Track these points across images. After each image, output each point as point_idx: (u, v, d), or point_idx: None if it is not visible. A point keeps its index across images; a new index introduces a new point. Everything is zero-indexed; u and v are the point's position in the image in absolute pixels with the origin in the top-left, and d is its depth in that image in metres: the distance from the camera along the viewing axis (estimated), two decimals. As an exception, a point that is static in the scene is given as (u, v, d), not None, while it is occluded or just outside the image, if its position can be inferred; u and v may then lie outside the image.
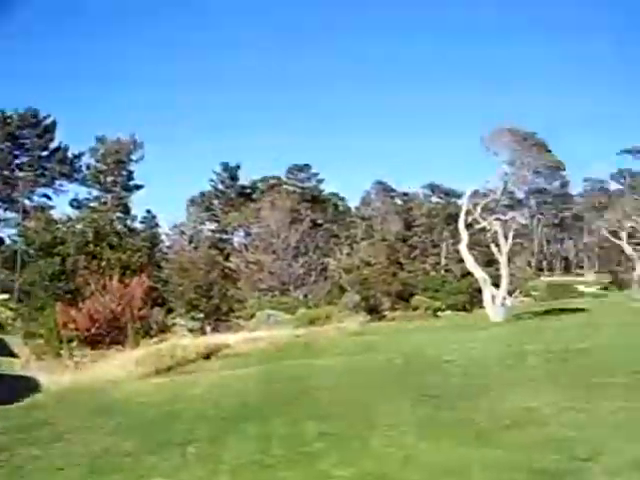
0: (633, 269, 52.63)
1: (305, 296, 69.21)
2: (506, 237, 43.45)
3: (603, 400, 13.46)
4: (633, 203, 63.76)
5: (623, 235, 49.51)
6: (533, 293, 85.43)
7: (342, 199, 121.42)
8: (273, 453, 11.72)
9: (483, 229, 44.47)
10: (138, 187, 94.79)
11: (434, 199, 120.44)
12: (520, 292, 58.55)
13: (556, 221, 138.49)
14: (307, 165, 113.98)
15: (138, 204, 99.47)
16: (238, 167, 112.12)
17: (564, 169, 58.19)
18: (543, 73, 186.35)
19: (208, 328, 45.64)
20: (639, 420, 12.04)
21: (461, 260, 48.37)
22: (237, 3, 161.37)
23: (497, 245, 43.60)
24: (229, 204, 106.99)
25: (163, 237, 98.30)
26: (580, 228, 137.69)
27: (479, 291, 45.04)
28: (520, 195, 65.82)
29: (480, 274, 42.82)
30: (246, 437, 12.87)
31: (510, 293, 44.37)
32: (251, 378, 19.30)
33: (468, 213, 43.53)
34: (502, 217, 45.28)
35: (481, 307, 46.88)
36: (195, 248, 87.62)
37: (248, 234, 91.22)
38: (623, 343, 20.22)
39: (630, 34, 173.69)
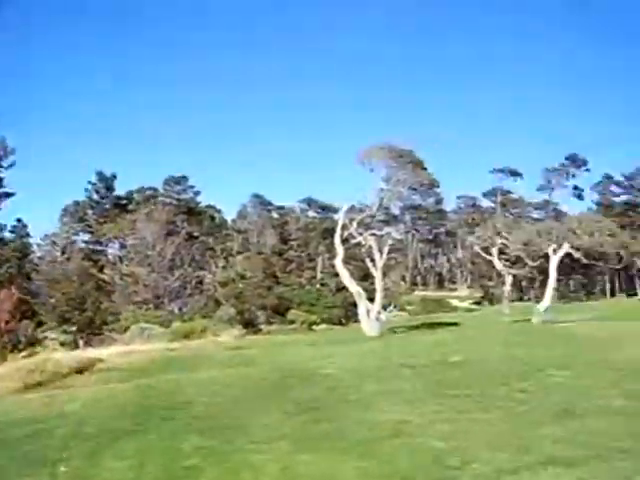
0: (503, 284, 54.39)
1: (180, 309, 68.70)
2: (381, 252, 44.32)
3: (473, 411, 14.03)
4: (504, 220, 66.17)
5: (494, 251, 51.11)
6: (408, 307, 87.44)
7: (219, 211, 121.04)
8: (151, 469, 11.62)
9: (359, 244, 45.24)
10: (8, 195, 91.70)
11: (311, 213, 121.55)
12: (395, 306, 59.71)
13: (430, 237, 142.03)
14: (184, 177, 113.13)
15: (8, 213, 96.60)
16: (114, 177, 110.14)
17: (438, 186, 59.87)
18: (420, 88, 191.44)
19: (81, 342, 44.57)
20: (505, 430, 12.62)
21: (337, 274, 49.04)
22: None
23: (372, 260, 44.42)
24: (104, 215, 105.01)
25: (34, 247, 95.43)
26: (453, 244, 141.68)
27: (355, 305, 45.75)
28: (396, 211, 67.45)
29: (355, 288, 43.51)
30: (123, 454, 12.70)
31: (385, 307, 45.28)
32: (126, 393, 19.06)
33: (344, 228, 44.23)
34: (377, 232, 46.21)
35: (356, 321, 47.60)
36: (68, 259, 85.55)
37: (123, 246, 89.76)
38: (493, 356, 21.02)
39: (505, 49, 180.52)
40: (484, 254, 53.67)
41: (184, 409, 16.18)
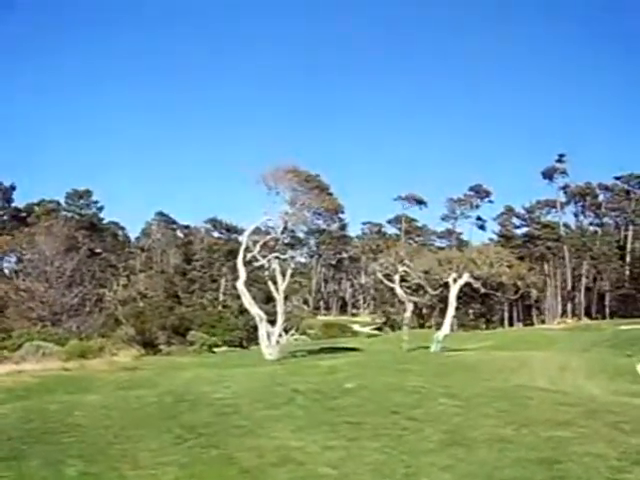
0: (404, 311, 54.90)
1: (78, 327, 67.01)
2: (284, 275, 44.35)
3: (364, 439, 14.09)
4: (406, 248, 67.06)
5: (396, 278, 51.64)
6: (309, 331, 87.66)
7: (122, 228, 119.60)
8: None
9: (262, 266, 45.16)
10: None
11: (215, 234, 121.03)
12: (296, 330, 59.79)
13: (334, 262, 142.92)
14: (88, 191, 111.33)
15: None
16: (13, 188, 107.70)
17: (343, 212, 60.45)
18: (327, 112, 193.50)
19: (-32, 361, 42.82)
20: (395, 458, 12.74)
21: (240, 296, 48.73)
22: None
23: (275, 283, 44.40)
24: (1, 227, 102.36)
25: None
26: (357, 269, 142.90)
27: (256, 328, 45.59)
28: (300, 234, 67.49)
29: (255, 311, 43.42)
30: (-1, 482, 12.26)
31: (286, 331, 45.28)
32: (8, 416, 18.37)
33: (247, 250, 44.06)
34: (281, 256, 46.17)
35: (258, 344, 47.43)
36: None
37: (20, 260, 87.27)
38: (387, 384, 21.17)
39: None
40: (386, 281, 54.12)
41: (69, 433, 15.72)
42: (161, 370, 35.41)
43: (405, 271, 51.39)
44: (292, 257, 50.02)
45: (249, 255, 44.10)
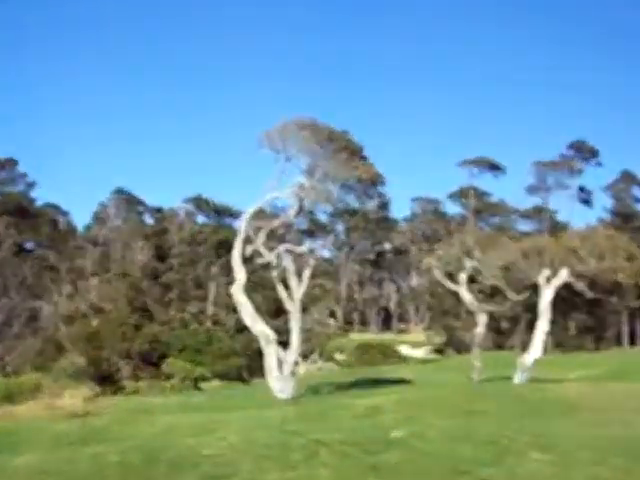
0: (475, 325, 54.51)
1: (2, 359, 67.51)
2: (300, 276, 44.31)
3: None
4: (477, 234, 66.57)
5: (462, 279, 51.48)
6: (338, 357, 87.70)
7: (65, 214, 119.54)
8: None
9: (268, 264, 45.11)
10: None
11: (200, 219, 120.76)
12: (320, 355, 59.91)
13: (372, 255, 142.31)
14: (11, 160, 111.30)
15: None
16: None
17: (384, 183, 60.03)
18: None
19: None
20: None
21: (237, 308, 48.76)
22: None
23: (287, 287, 44.36)
24: None
25: None
26: (405, 267, 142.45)
27: (261, 353, 45.62)
28: (323, 217, 67.46)
29: (260, 328, 43.34)
30: None
31: (305, 356, 45.39)
32: None
33: (247, 241, 44.03)
34: (296, 248, 46.19)
35: (264, 376, 47.52)
36: None
37: None
38: (451, 430, 21.19)
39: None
40: (448, 282, 54.00)
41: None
42: (125, 416, 35.65)
43: (475, 268, 51.30)
44: (311, 250, 49.92)
45: (250, 248, 44.09)
